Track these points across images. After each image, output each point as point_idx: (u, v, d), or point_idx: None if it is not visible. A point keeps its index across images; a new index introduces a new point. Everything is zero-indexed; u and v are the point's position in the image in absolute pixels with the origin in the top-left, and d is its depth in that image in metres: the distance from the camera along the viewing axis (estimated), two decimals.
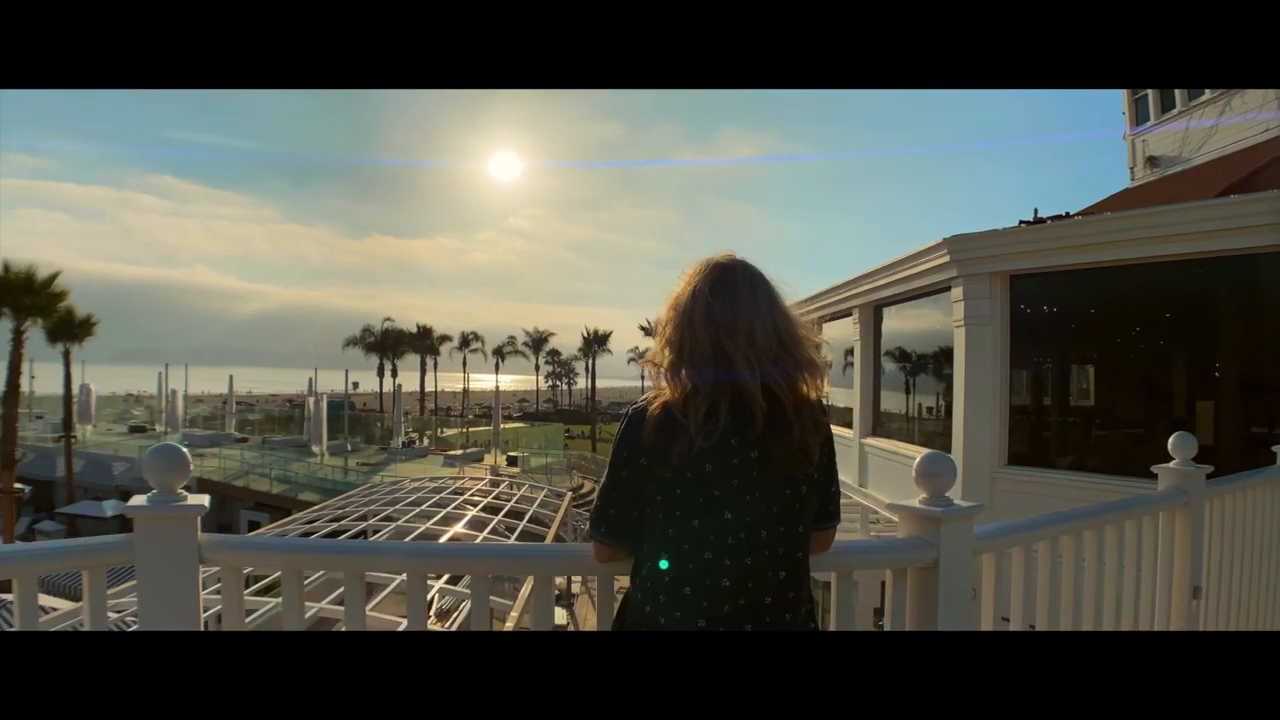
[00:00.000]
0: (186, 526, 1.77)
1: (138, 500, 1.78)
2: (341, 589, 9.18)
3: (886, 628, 2.05)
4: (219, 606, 2.19)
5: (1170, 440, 2.93)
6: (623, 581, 1.85)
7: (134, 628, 2.01)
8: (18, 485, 23.82)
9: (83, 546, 1.81)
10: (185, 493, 1.83)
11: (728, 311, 1.68)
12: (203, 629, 1.83)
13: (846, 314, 11.64)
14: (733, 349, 1.65)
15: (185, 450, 1.85)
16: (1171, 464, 2.94)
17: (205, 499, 1.84)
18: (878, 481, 10.43)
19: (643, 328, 50.00)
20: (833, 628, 2.02)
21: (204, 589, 1.85)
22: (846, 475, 11.49)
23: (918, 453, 6.97)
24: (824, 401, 1.78)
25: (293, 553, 1.94)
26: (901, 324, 10.57)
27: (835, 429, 7.17)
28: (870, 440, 10.80)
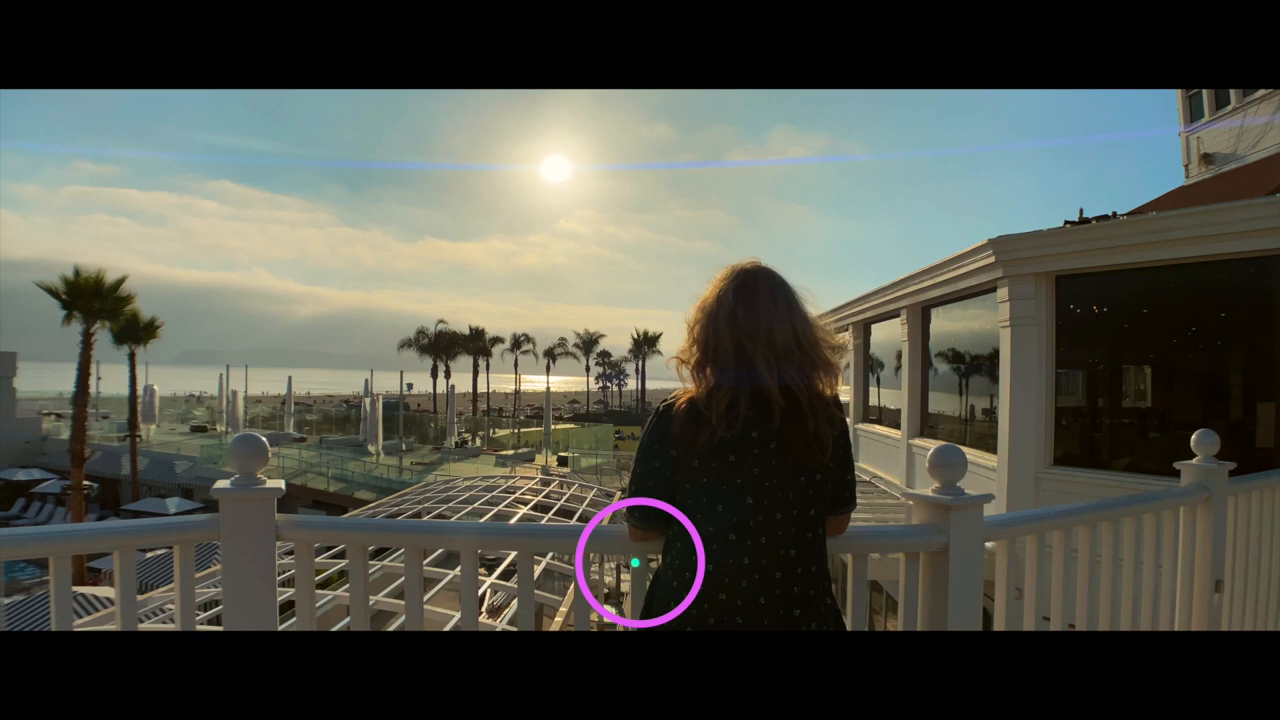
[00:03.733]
0: (265, 506, 2.00)
1: (223, 484, 2.02)
2: (398, 580, 9.54)
3: (900, 607, 2.19)
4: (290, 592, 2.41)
5: (1193, 436, 3.00)
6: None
7: (217, 579, 2.22)
8: (86, 482, 24.83)
9: (175, 524, 2.05)
10: (264, 477, 2.06)
11: (749, 314, 1.85)
12: (276, 600, 2.05)
13: (894, 315, 11.65)
14: (753, 349, 1.82)
15: (264, 439, 2.08)
16: (1194, 460, 3.01)
17: (281, 483, 2.07)
18: (925, 483, 10.41)
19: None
20: (849, 604, 2.17)
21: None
22: (894, 476, 11.50)
23: (966, 453, 6.99)
24: (840, 397, 1.93)
25: (358, 530, 2.16)
26: (949, 325, 10.55)
27: (883, 430, 7.31)
28: (918, 441, 10.79)
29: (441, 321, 65.46)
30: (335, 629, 6.85)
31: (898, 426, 11.46)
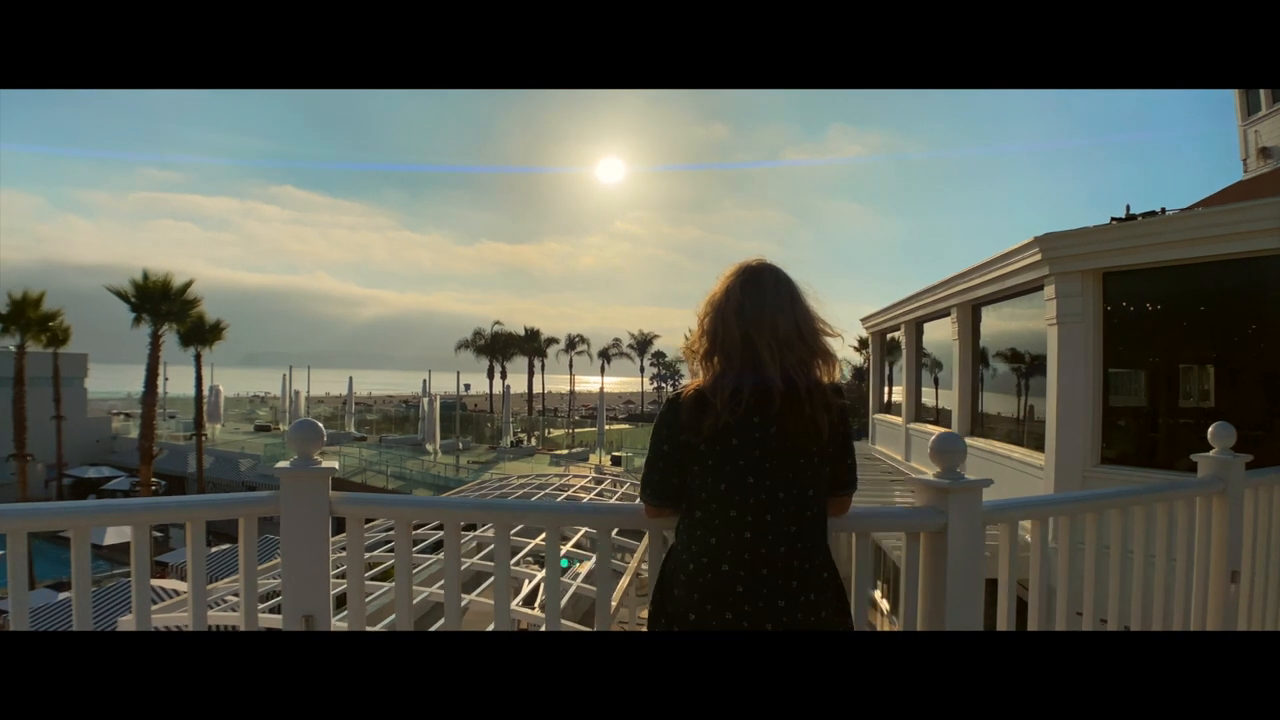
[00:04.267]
0: (320, 484, 2.23)
1: (283, 464, 2.25)
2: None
3: (901, 583, 2.32)
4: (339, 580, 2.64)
5: (1210, 429, 3.06)
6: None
7: (277, 572, 2.44)
8: (154, 479, 25.83)
9: (241, 499, 2.29)
10: (319, 459, 2.28)
11: (755, 306, 2.02)
12: (330, 568, 2.27)
13: (945, 314, 11.59)
14: (758, 338, 1.99)
15: (320, 425, 2.30)
16: (1211, 453, 3.06)
17: (335, 464, 2.29)
18: None
19: None
20: (853, 579, 2.31)
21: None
22: None
23: (1014, 452, 7.03)
24: (840, 384, 2.08)
25: (401, 505, 2.39)
26: (999, 323, 10.48)
27: (934, 429, 7.36)
28: (969, 440, 10.73)
29: (498, 323, 66.28)
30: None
31: (947, 426, 11.41)
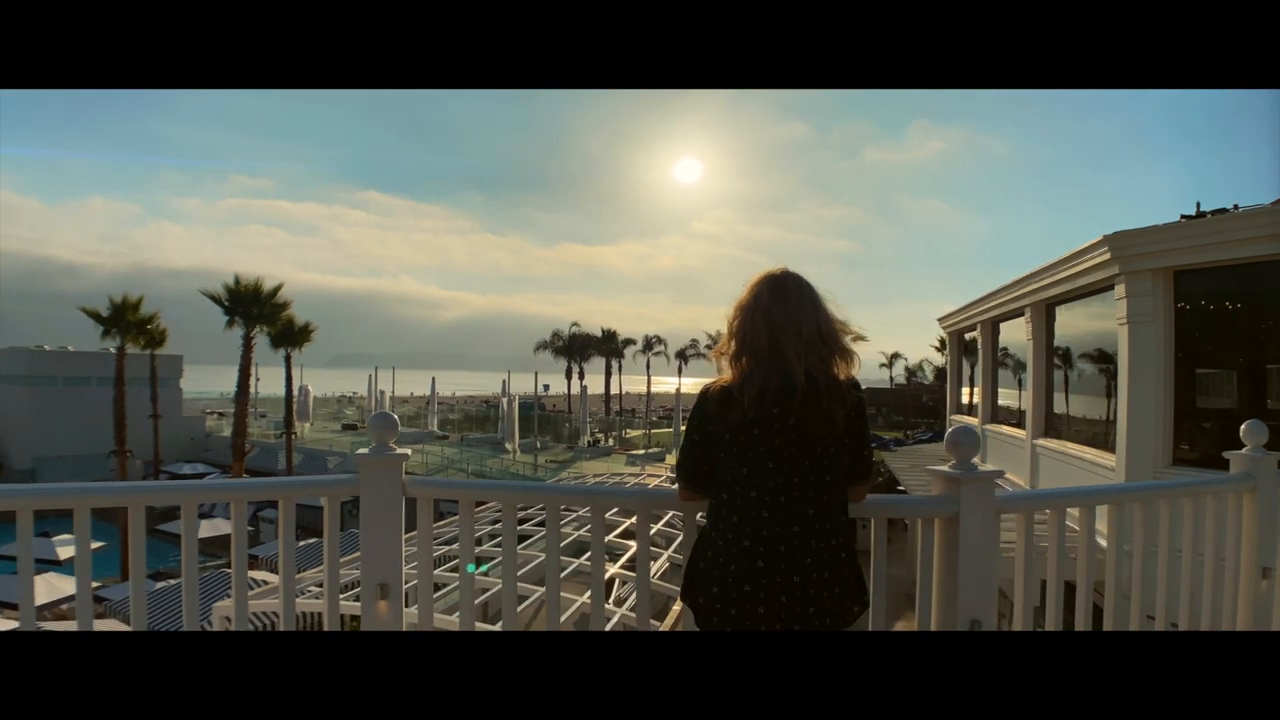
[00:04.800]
0: (395, 468, 2.55)
1: (362, 451, 2.57)
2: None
3: (918, 565, 2.51)
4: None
5: (1243, 427, 3.12)
6: None
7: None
8: (245, 476, 27.02)
9: (327, 480, 2.63)
10: (395, 446, 2.60)
11: (782, 311, 2.25)
12: (402, 542, 2.58)
13: (1020, 313, 11.47)
14: (784, 340, 2.21)
15: (395, 416, 2.62)
16: (1243, 450, 3.13)
17: (409, 450, 2.60)
18: (1049, 484, 10.24)
19: None
20: (872, 561, 2.50)
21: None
22: (1019, 477, 11.30)
23: (1085, 453, 7.01)
24: (856, 380, 2.28)
25: (466, 488, 2.69)
26: (1074, 323, 10.34)
27: (1008, 430, 7.42)
28: (1042, 441, 10.60)
29: (575, 324, 67.07)
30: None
31: (1021, 426, 11.28)
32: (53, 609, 17.19)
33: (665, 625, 7.44)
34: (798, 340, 2.21)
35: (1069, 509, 2.81)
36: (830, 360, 2.23)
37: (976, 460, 2.50)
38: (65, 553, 19.90)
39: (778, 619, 2.12)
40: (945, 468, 2.51)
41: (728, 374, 2.28)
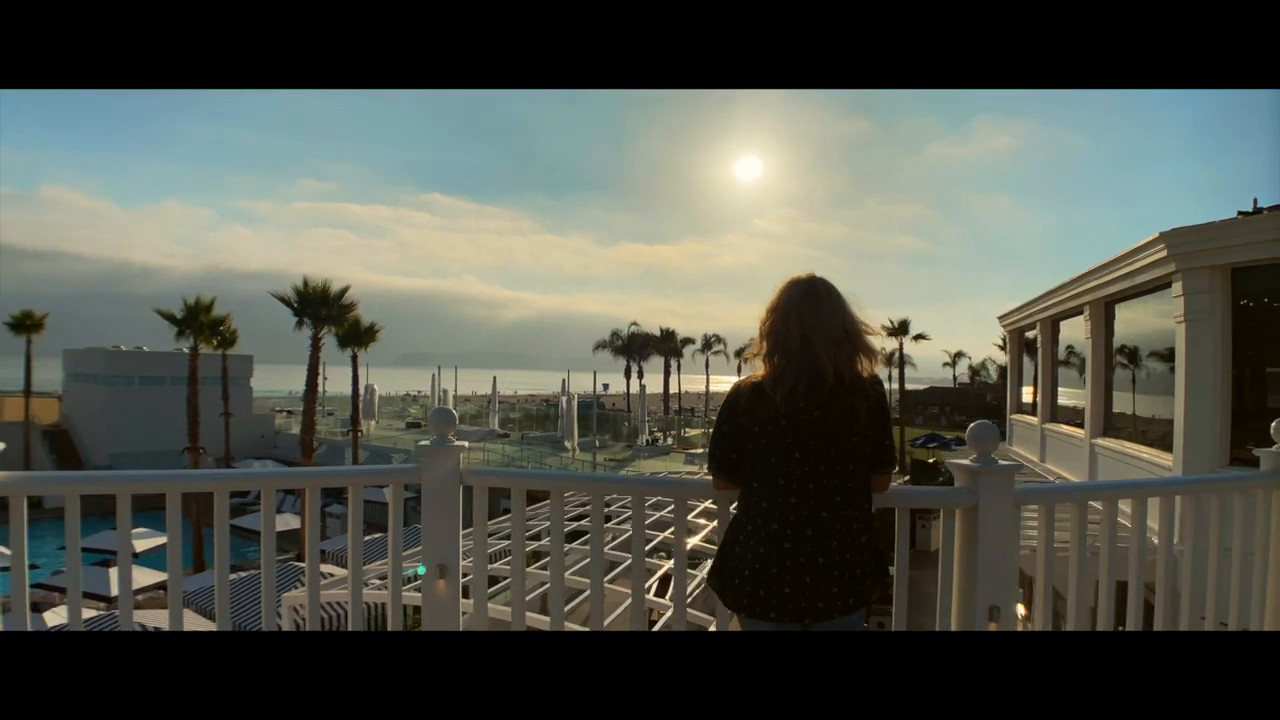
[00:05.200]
0: (453, 458, 2.80)
1: (424, 442, 2.82)
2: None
3: (939, 554, 2.65)
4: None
5: (1274, 424, 3.17)
6: None
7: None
8: None
9: (392, 469, 2.91)
10: (453, 439, 2.84)
11: (812, 312, 2.43)
12: (460, 526, 2.83)
13: (1079, 312, 11.34)
14: (815, 340, 2.39)
15: (454, 411, 2.86)
16: (1273, 448, 3.18)
17: (465, 443, 2.84)
18: None
19: (885, 327, 48.64)
20: (895, 547, 2.65)
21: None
22: (1075, 475, 11.18)
23: (1144, 453, 6.99)
24: (878, 376, 2.44)
25: (516, 477, 2.93)
26: (1134, 321, 10.21)
27: (1067, 429, 7.44)
28: (1101, 441, 10.49)
29: (634, 324, 67.40)
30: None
31: (1080, 425, 11.17)
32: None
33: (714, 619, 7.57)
34: (827, 339, 2.38)
35: (1091, 502, 2.91)
36: (855, 357, 2.40)
37: (996, 454, 2.63)
38: (142, 545, 20.82)
39: (802, 598, 2.29)
40: (966, 461, 2.66)
41: (760, 371, 2.46)
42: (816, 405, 2.34)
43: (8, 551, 2.50)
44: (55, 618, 13.77)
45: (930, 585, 2.79)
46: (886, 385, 2.54)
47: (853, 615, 2.35)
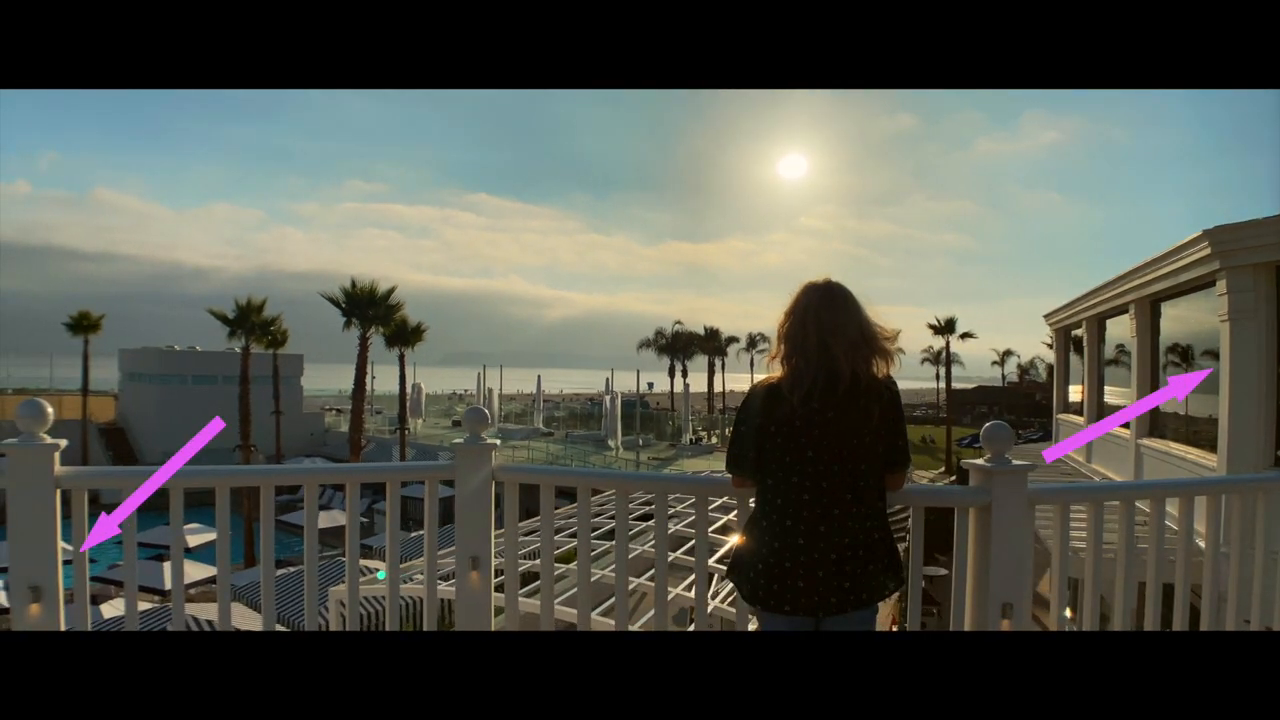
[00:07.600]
0: (485, 454, 2.97)
1: (458, 440, 2.98)
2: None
3: (954, 551, 2.73)
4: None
5: None
6: None
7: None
8: None
9: (427, 465, 3.10)
10: (485, 436, 2.99)
11: (830, 316, 2.52)
12: (491, 521, 2.97)
13: (1125, 310, 11.20)
14: (832, 342, 2.49)
15: (486, 410, 3.01)
16: None
17: (498, 441, 2.99)
18: None
19: (932, 325, 48.08)
20: (911, 546, 2.73)
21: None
22: (1120, 475, 11.03)
23: (1189, 453, 6.95)
24: (892, 378, 2.52)
25: (545, 474, 3.07)
26: (1180, 318, 10.06)
27: (1117, 430, 7.34)
28: (1146, 441, 10.34)
29: (678, 323, 67.31)
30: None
31: (1126, 425, 11.02)
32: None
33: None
34: (844, 341, 2.47)
35: (1107, 501, 2.95)
36: (870, 359, 2.49)
37: (1009, 455, 2.70)
38: (194, 540, 21.40)
39: (815, 592, 2.39)
40: (980, 461, 2.73)
41: (777, 372, 2.55)
42: (831, 406, 2.43)
43: (68, 546, 2.67)
44: (112, 610, 14.19)
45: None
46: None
47: (865, 610, 2.44)
